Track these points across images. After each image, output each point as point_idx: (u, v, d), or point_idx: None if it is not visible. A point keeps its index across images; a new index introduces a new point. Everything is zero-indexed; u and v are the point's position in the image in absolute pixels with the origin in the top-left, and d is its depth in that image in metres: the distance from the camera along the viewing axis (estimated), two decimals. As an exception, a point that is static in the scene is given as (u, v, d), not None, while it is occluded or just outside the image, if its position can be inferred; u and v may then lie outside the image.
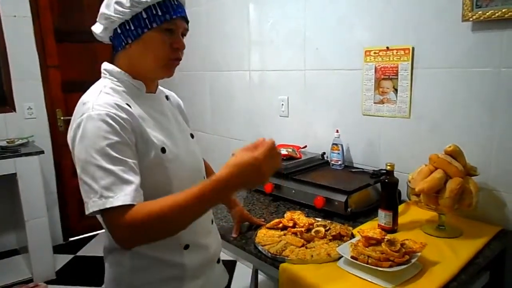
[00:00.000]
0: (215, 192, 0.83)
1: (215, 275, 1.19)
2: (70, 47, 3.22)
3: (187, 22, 1.03)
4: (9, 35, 2.90)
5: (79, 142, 0.88)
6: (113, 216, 0.82)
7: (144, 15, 0.95)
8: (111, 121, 0.88)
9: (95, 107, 0.90)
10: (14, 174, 2.60)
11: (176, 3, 0.99)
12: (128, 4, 0.95)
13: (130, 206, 0.82)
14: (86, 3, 3.22)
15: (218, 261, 1.22)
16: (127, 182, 0.85)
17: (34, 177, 2.66)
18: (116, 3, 0.96)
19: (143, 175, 0.91)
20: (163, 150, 0.98)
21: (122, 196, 0.82)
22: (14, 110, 3.00)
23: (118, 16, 0.96)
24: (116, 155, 0.86)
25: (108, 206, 0.82)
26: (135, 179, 0.87)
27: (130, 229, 0.82)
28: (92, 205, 0.83)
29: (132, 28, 0.97)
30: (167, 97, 1.17)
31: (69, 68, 3.21)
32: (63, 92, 3.22)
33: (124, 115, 0.91)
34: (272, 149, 0.87)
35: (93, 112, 0.89)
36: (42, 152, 2.72)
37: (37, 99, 3.08)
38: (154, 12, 0.95)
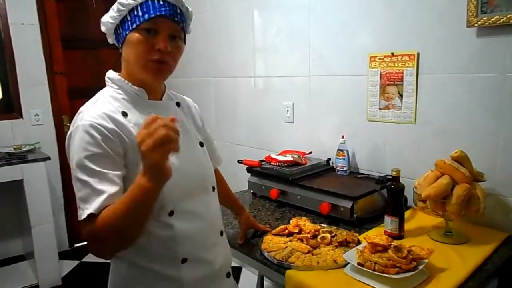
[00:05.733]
0: (139, 188, 0.81)
1: None
2: (76, 54, 3.24)
3: (178, 23, 0.97)
4: (17, 43, 2.94)
5: (69, 152, 0.92)
6: (84, 226, 0.85)
7: (128, 18, 0.96)
8: (93, 132, 0.89)
9: (84, 117, 0.92)
10: (21, 180, 2.62)
11: (160, 2, 0.94)
12: (116, 9, 0.97)
13: (96, 216, 0.84)
14: (92, 11, 3.25)
15: (228, 275, 1.16)
16: (99, 192, 0.86)
17: (40, 183, 2.68)
18: (112, 9, 0.99)
19: None
20: None
21: (91, 208, 0.84)
22: (21, 116, 3.03)
23: (110, 21, 0.99)
24: (93, 166, 0.87)
25: (82, 217, 0.84)
26: (109, 189, 0.86)
27: (92, 239, 0.85)
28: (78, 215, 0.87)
29: (121, 31, 0.98)
30: (178, 104, 1.14)
31: (75, 74, 3.24)
32: (69, 98, 3.25)
33: (111, 126, 0.91)
34: (148, 125, 0.76)
35: (81, 122, 0.91)
36: (49, 158, 2.74)
37: (44, 105, 3.11)
38: (136, 13, 0.95)
